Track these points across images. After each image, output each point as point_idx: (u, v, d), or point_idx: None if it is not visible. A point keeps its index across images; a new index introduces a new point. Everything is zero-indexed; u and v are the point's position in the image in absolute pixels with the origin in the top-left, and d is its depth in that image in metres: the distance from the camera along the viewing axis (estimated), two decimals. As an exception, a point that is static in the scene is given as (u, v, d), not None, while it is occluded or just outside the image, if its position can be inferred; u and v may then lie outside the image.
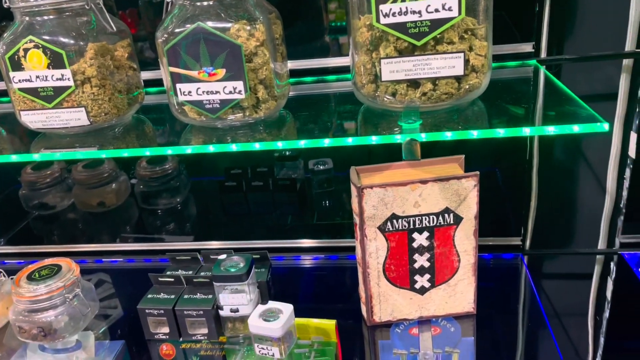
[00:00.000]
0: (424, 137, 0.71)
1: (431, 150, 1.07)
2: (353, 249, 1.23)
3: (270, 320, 0.94)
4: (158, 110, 1.00)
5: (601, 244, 1.17)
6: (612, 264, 1.16)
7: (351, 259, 1.23)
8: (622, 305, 1.12)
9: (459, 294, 0.98)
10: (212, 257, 1.11)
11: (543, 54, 1.00)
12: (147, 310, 1.01)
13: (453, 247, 0.94)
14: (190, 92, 0.77)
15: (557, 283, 1.23)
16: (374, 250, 0.93)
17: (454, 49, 0.71)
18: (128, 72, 0.88)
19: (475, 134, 0.70)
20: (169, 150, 0.84)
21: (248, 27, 0.75)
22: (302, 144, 0.76)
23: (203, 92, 0.77)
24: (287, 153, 1.35)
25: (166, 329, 1.02)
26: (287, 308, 0.96)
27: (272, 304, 0.98)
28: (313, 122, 0.85)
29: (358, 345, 1.03)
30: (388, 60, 0.73)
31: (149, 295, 1.04)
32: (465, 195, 0.90)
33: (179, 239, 1.34)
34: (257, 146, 0.79)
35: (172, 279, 1.04)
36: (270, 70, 0.78)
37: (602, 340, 1.19)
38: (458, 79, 0.73)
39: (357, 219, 0.92)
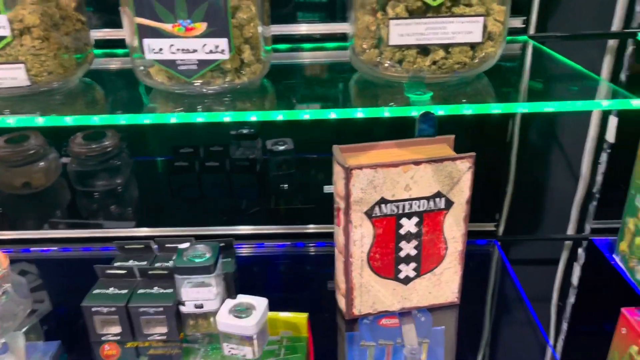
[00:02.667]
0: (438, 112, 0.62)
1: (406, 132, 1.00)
2: (320, 235, 1.14)
3: (242, 317, 0.84)
4: (110, 75, 0.86)
5: (571, 230, 1.15)
6: (580, 250, 1.15)
7: (319, 245, 1.14)
8: (594, 289, 1.12)
9: (444, 283, 0.92)
10: (168, 245, 0.98)
11: (532, 31, 0.95)
12: (93, 309, 0.86)
13: (441, 234, 0.88)
14: (161, 49, 0.64)
15: (530, 268, 1.21)
16: (359, 237, 0.85)
17: (473, 12, 0.63)
18: (76, 25, 0.74)
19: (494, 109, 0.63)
20: (123, 120, 0.70)
21: (234, -25, 0.63)
22: (304, 116, 0.65)
23: (177, 49, 0.64)
24: (245, 131, 1.24)
25: (117, 329, 0.89)
26: (260, 302, 0.86)
27: (242, 298, 0.87)
28: (300, 93, 0.75)
29: (332, 340, 0.95)
30: (398, 21, 0.63)
31: (96, 291, 0.89)
32: (458, 178, 0.84)
33: (122, 224, 1.19)
34: (226, 119, 0.68)
35: (124, 271, 0.91)
36: (257, 28, 0.66)
37: (576, 324, 1.19)
38: (473, 46, 0.65)
39: (341, 203, 0.83)
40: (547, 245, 1.18)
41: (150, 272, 0.90)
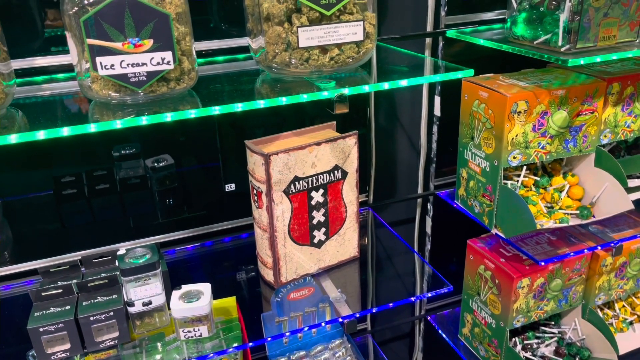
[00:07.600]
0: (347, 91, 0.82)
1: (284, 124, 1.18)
2: (224, 232, 1.27)
3: (193, 301, 0.93)
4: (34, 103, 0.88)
5: (420, 189, 1.45)
6: (428, 204, 1.45)
7: (224, 241, 1.26)
8: (452, 227, 1.42)
9: (347, 241, 1.13)
10: (94, 260, 1.02)
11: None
12: (41, 329, 0.88)
13: (342, 200, 1.08)
14: (112, 65, 0.73)
15: (398, 226, 1.48)
16: (281, 213, 1.01)
17: (354, 19, 0.85)
18: (2, 54, 0.77)
19: (386, 85, 0.85)
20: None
21: (169, -3, 0.75)
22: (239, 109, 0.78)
23: (128, 64, 0.74)
24: (127, 151, 1.30)
25: (66, 345, 0.91)
26: (205, 287, 0.97)
27: (187, 287, 0.97)
28: (221, 92, 0.88)
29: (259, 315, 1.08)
30: (304, 28, 0.82)
31: (37, 314, 0.90)
32: (349, 152, 1.05)
33: (17, 261, 1.16)
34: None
35: (61, 290, 0.93)
36: (191, 40, 0.79)
37: (437, 260, 1.48)
38: (357, 44, 0.87)
39: (262, 187, 0.98)
40: (404, 205, 1.47)
41: (90, 285, 0.94)
